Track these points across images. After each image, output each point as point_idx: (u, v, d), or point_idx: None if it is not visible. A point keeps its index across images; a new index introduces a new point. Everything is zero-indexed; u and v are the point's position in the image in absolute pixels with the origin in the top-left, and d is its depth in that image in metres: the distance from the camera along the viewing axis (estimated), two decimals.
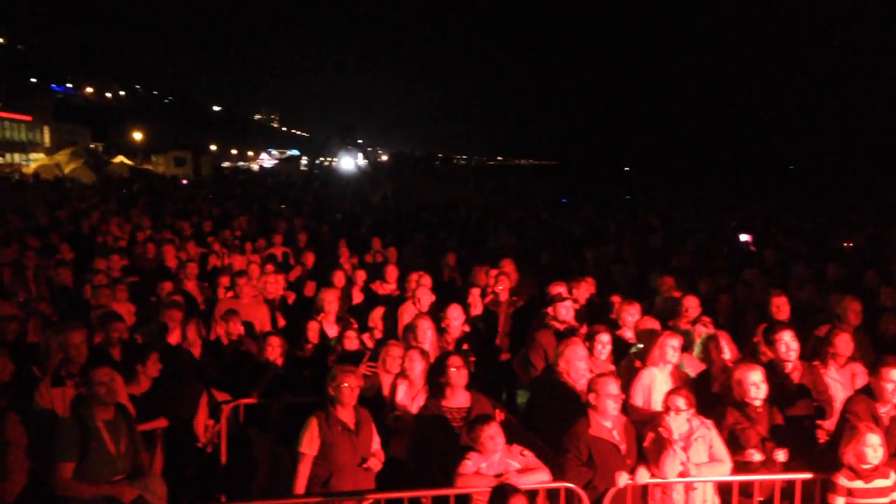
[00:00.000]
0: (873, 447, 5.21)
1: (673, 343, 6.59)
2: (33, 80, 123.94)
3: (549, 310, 8.17)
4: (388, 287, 10.25)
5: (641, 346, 7.26)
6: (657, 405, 6.15)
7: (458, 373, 5.93)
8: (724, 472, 5.54)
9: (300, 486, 5.44)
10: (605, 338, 7.12)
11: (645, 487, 5.50)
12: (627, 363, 7.24)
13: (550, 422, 6.13)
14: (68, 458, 5.02)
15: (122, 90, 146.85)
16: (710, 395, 6.41)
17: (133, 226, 16.37)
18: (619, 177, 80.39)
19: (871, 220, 19.73)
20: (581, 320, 8.32)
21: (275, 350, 7.36)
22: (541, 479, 5.28)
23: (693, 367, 6.96)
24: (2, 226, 15.69)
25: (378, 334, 8.13)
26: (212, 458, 7.03)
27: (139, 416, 5.93)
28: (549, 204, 26.97)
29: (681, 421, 5.53)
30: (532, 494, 5.22)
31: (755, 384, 5.74)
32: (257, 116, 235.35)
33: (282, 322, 9.17)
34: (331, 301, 8.54)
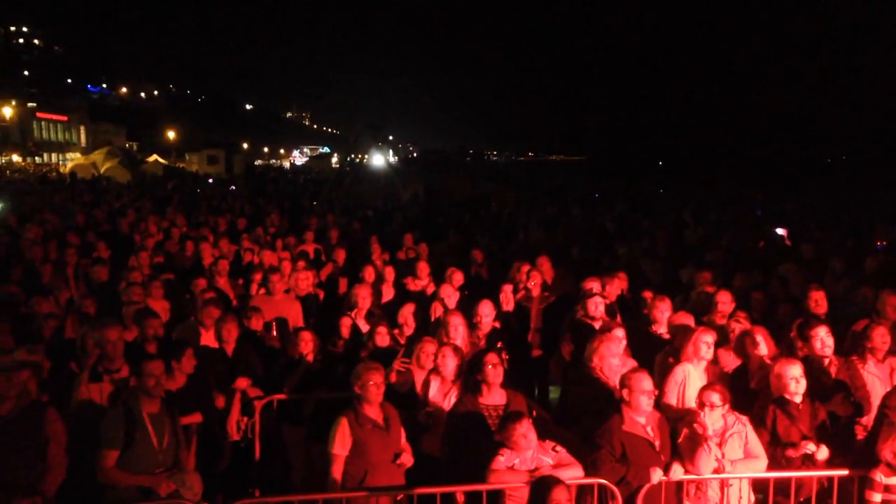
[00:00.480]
0: None
1: (706, 339, 6.52)
2: (69, 80, 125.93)
3: (580, 306, 8.14)
4: (419, 283, 10.26)
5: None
6: (691, 401, 6.10)
7: (494, 370, 5.92)
8: (759, 468, 5.48)
9: (334, 487, 5.46)
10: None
11: (679, 484, 5.47)
12: (661, 359, 7.18)
13: (584, 418, 6.10)
14: (113, 447, 5.15)
15: (156, 90, 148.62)
16: (747, 391, 6.35)
17: (168, 223, 16.56)
18: (652, 172, 79.76)
19: None
20: (612, 316, 8.28)
21: (307, 346, 7.40)
22: (573, 475, 5.25)
23: (729, 363, 6.89)
24: (41, 225, 15.91)
25: (408, 331, 8.14)
26: (245, 454, 7.09)
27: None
28: (581, 200, 26.84)
29: (715, 417, 5.49)
30: None
31: (795, 378, 5.67)
32: (289, 114, 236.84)
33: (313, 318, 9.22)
34: (364, 297, 8.59)
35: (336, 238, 14.17)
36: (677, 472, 5.38)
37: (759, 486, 5.61)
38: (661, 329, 7.76)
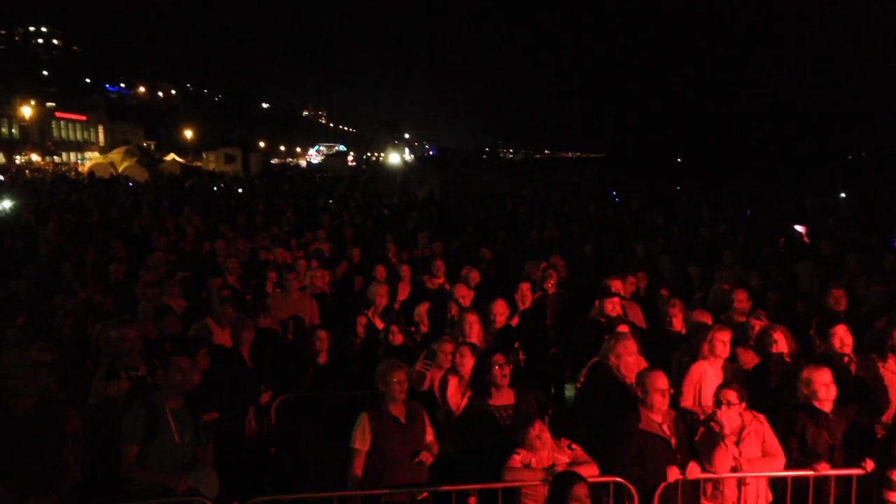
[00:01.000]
0: None
1: (722, 337, 6.48)
2: (88, 80, 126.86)
3: (597, 303, 8.10)
4: (436, 281, 10.26)
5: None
6: (708, 399, 6.07)
7: (501, 371, 5.95)
8: (777, 467, 5.44)
9: (354, 482, 5.48)
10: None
11: (696, 483, 5.43)
12: (678, 357, 7.14)
13: (600, 416, 6.08)
14: (133, 442, 5.17)
15: (173, 89, 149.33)
16: (766, 389, 6.30)
17: (185, 221, 16.63)
18: (670, 168, 79.44)
19: None
20: (627, 315, 8.23)
21: (322, 344, 7.41)
22: (589, 473, 5.23)
23: (748, 361, 6.83)
24: (59, 223, 16.02)
25: (423, 329, 8.13)
26: (261, 452, 7.10)
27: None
28: (597, 197, 26.73)
29: (732, 415, 5.44)
30: None
31: (825, 385, 5.61)
32: (305, 113, 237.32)
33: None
34: (382, 295, 8.62)
35: (350, 237, 14.18)
36: (694, 470, 5.35)
37: (776, 484, 5.56)
38: (678, 327, 7.72)
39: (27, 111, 76.74)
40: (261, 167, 64.04)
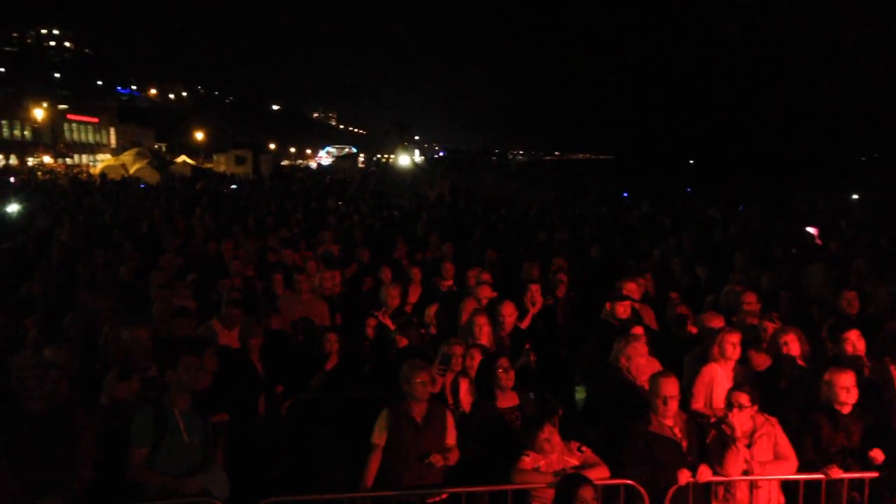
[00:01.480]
0: None
1: (731, 339, 6.46)
2: (99, 82, 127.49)
3: (608, 305, 8.08)
4: (446, 283, 10.25)
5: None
6: (719, 402, 6.04)
7: (506, 374, 5.99)
8: (789, 470, 5.41)
9: (370, 475, 5.51)
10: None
11: (707, 486, 5.41)
12: (689, 360, 7.11)
13: (610, 418, 6.06)
14: (141, 444, 5.18)
15: (184, 91, 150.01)
16: (778, 391, 6.27)
17: (195, 222, 16.66)
18: (679, 170, 79.20)
19: None
20: (637, 317, 8.19)
21: (333, 346, 7.41)
22: (599, 475, 5.23)
23: (760, 363, 6.80)
24: (73, 226, 16.09)
25: (434, 330, 8.12)
26: (272, 453, 7.11)
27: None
28: (607, 198, 26.68)
29: (744, 418, 5.42)
30: None
31: (846, 388, 5.58)
32: (315, 115, 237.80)
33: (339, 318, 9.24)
34: (394, 296, 8.61)
35: (361, 238, 14.17)
36: (705, 473, 5.33)
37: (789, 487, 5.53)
38: (689, 330, 7.69)
39: (39, 113, 77.09)
40: (271, 169, 64.12)
